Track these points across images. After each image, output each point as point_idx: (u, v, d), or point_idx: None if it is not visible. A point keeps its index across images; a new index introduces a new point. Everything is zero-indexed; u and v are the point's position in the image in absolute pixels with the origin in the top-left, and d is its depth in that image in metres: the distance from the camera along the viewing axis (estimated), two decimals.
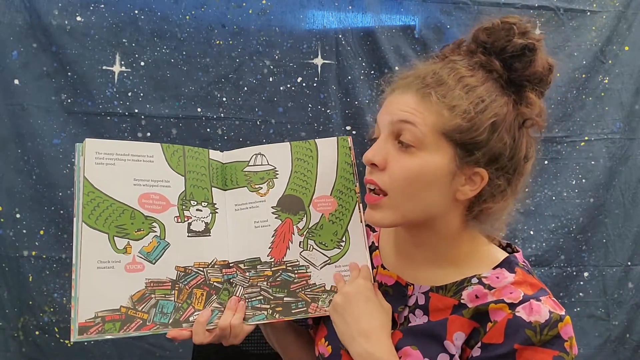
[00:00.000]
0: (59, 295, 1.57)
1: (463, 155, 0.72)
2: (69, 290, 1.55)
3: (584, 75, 1.71)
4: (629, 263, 1.75)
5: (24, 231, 1.56)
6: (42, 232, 1.57)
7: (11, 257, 1.55)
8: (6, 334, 1.56)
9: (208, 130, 1.61)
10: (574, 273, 1.75)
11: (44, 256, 1.56)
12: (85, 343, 1.55)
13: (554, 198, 1.72)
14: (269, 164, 0.90)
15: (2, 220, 1.55)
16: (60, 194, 1.56)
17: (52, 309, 1.57)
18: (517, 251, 0.82)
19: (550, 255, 1.72)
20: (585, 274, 1.75)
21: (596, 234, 1.75)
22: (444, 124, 0.71)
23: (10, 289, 1.56)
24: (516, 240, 1.69)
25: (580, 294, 1.75)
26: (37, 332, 1.57)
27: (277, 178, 0.89)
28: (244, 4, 1.60)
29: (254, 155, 0.90)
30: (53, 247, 1.57)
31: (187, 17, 1.58)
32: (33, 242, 1.56)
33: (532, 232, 1.72)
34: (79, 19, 1.55)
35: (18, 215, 1.56)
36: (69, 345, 1.58)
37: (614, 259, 1.75)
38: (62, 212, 1.56)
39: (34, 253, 1.56)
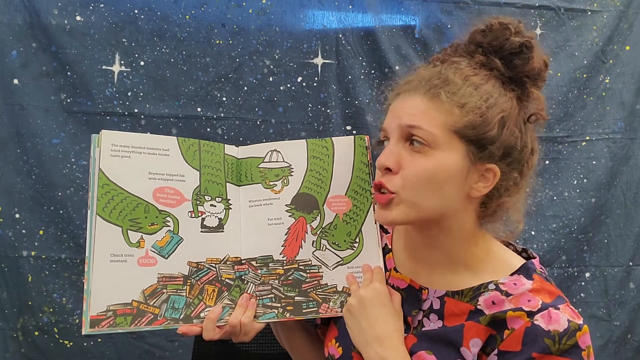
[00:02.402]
0: (58, 295, 1.56)
1: (476, 152, 0.72)
2: (69, 291, 1.56)
3: (585, 75, 1.71)
4: (631, 263, 1.75)
5: (24, 231, 1.55)
6: (41, 232, 1.56)
7: (10, 257, 1.54)
8: (5, 334, 1.55)
9: (208, 130, 1.60)
10: (575, 273, 1.74)
11: (44, 256, 1.56)
12: (85, 343, 1.55)
13: (555, 198, 1.72)
14: (284, 161, 0.89)
15: (1, 220, 1.54)
16: (60, 193, 1.55)
17: (51, 309, 1.56)
18: (534, 257, 0.81)
19: (551, 256, 1.72)
20: (587, 275, 1.75)
21: (597, 234, 1.74)
22: (455, 122, 0.71)
23: (9, 290, 1.55)
24: (517, 241, 1.68)
25: (582, 294, 1.74)
26: (36, 333, 1.56)
27: (292, 175, 0.88)
28: (244, 4, 1.60)
29: (270, 152, 0.90)
30: (52, 248, 1.56)
31: (187, 16, 1.58)
32: (32, 243, 1.55)
33: (533, 232, 1.71)
34: (78, 18, 1.54)
35: (17, 216, 1.55)
36: (68, 345, 1.57)
37: (615, 259, 1.74)
38: (61, 212, 1.56)
39: (33, 253, 1.55)
